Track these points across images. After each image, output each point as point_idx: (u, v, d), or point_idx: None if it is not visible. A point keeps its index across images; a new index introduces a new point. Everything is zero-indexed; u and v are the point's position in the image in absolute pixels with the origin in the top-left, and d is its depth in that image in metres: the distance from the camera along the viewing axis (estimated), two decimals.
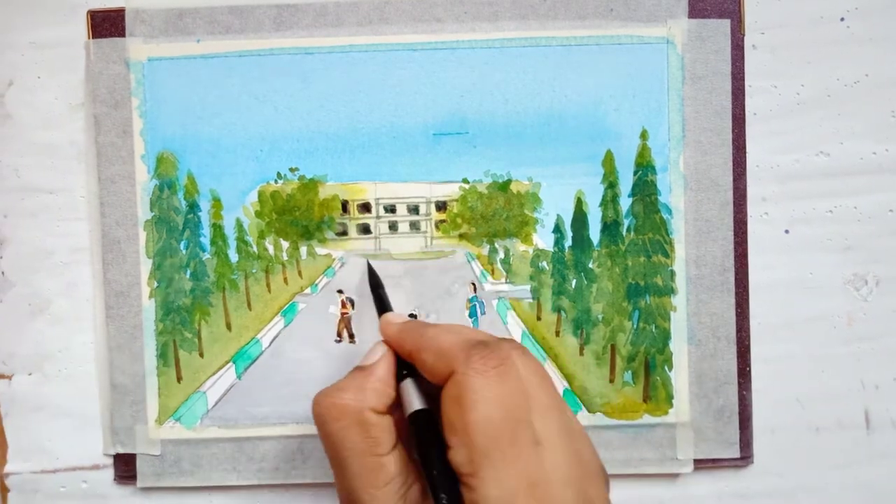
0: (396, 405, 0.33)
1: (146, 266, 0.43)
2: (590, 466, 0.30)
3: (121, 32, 0.42)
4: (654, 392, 0.43)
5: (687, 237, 0.43)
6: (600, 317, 0.43)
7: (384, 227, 0.44)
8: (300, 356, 0.43)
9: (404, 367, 0.33)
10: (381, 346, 0.34)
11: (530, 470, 0.28)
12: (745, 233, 0.43)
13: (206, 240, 0.43)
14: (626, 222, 0.43)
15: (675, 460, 0.43)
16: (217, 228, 0.43)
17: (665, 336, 0.43)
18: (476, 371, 0.29)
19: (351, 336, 0.43)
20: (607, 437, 0.43)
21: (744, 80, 0.42)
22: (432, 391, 0.32)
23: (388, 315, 0.36)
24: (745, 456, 0.43)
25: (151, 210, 0.43)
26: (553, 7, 0.42)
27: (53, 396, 0.44)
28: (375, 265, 0.43)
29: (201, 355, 0.43)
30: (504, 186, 0.43)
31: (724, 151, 0.42)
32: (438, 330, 0.32)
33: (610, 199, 0.43)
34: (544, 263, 0.43)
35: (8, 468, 0.44)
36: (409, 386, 0.33)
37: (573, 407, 0.43)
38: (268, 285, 0.43)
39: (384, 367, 0.33)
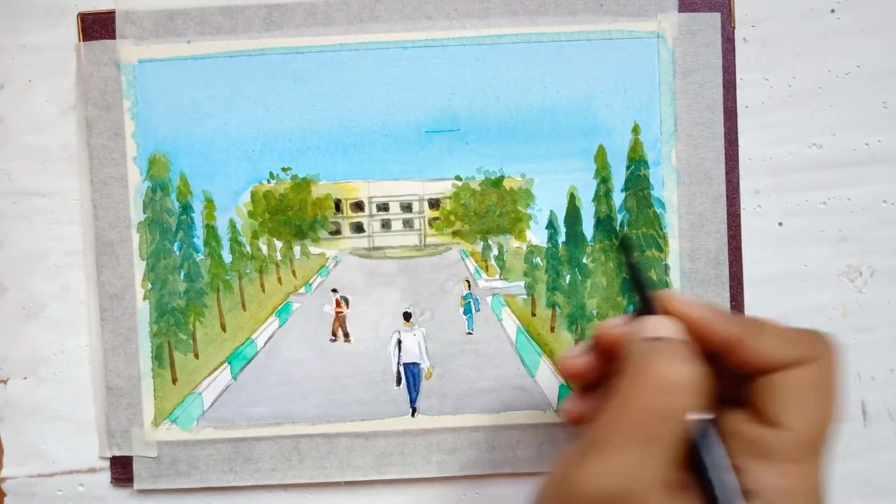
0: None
1: (140, 268, 0.43)
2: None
3: (111, 35, 0.42)
4: None
5: (680, 231, 0.43)
6: (595, 312, 0.43)
7: (377, 226, 0.44)
8: (295, 356, 0.43)
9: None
10: (669, 320, 0.29)
11: (824, 477, 0.28)
12: (738, 226, 0.43)
13: (199, 241, 0.43)
14: (619, 217, 0.43)
15: None
16: (210, 229, 0.43)
17: None
18: (839, 363, 0.28)
19: (346, 335, 0.43)
20: None
21: (735, 73, 0.42)
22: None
23: (670, 292, 0.30)
24: None
25: (144, 212, 0.43)
26: (543, 3, 0.42)
27: (49, 400, 0.44)
28: (368, 264, 0.43)
29: (196, 356, 0.43)
30: (497, 183, 0.43)
31: (716, 145, 0.42)
32: (758, 318, 0.29)
33: (603, 195, 0.43)
34: (538, 259, 0.43)
35: (4, 472, 0.44)
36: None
37: None
38: (262, 285, 0.43)
39: (689, 375, 0.27)
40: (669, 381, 0.26)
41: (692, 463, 0.27)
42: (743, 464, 0.27)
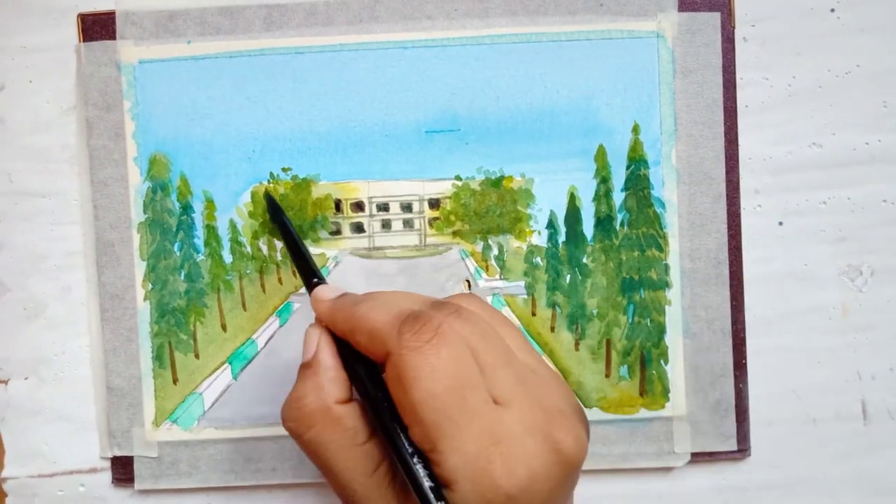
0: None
1: (140, 268, 0.43)
2: (555, 410, 0.29)
3: (111, 35, 0.42)
4: (651, 386, 0.43)
5: (681, 231, 0.43)
6: (595, 312, 0.43)
7: (377, 226, 0.44)
8: (296, 356, 0.43)
9: (345, 347, 0.32)
10: (313, 331, 0.33)
11: (490, 429, 0.27)
12: (738, 225, 0.43)
13: (199, 241, 0.43)
14: (619, 217, 0.43)
15: (673, 454, 0.43)
16: (211, 230, 0.43)
17: (660, 330, 0.43)
18: (409, 348, 0.28)
19: None
20: (604, 432, 0.43)
21: (735, 72, 0.42)
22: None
23: (319, 290, 0.34)
24: (743, 449, 0.43)
25: (145, 212, 0.43)
26: (543, 3, 0.42)
27: (49, 400, 0.44)
28: (368, 264, 0.43)
29: (197, 357, 0.43)
30: (497, 183, 0.43)
31: (716, 144, 0.42)
32: (370, 305, 0.31)
33: (603, 194, 0.43)
34: (538, 259, 0.43)
35: (5, 473, 0.44)
36: (357, 372, 0.31)
37: None
38: (262, 286, 0.43)
39: (327, 355, 0.32)
40: (289, 430, 0.32)
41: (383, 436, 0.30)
42: None
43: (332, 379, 0.31)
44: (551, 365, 0.43)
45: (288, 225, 0.40)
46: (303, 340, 0.33)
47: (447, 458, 0.27)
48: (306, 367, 0.32)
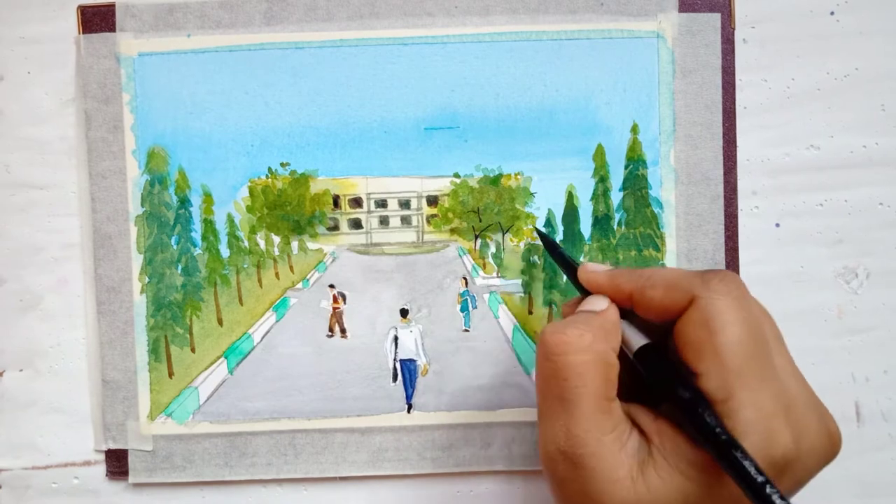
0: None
1: (137, 261, 0.43)
2: (816, 395, 0.30)
3: (111, 27, 0.42)
4: None
5: (678, 231, 0.43)
6: None
7: (375, 222, 0.44)
8: (292, 351, 0.43)
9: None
10: (600, 296, 0.33)
11: (781, 393, 0.28)
12: (735, 226, 0.43)
13: (197, 235, 0.43)
14: (617, 216, 0.43)
15: None
16: (208, 223, 0.43)
17: None
18: (720, 294, 0.28)
19: (343, 330, 0.43)
20: None
21: (734, 74, 0.43)
22: (650, 333, 0.32)
23: (588, 265, 0.34)
24: None
25: (142, 205, 0.43)
26: (544, 1, 0.42)
27: (45, 392, 0.44)
28: (366, 260, 0.43)
29: (193, 350, 0.43)
30: (495, 181, 0.43)
31: (714, 145, 0.43)
32: (654, 269, 0.32)
33: (601, 194, 0.43)
34: (535, 258, 0.43)
35: None
36: (628, 326, 0.32)
37: None
38: (259, 280, 0.43)
39: (615, 313, 0.32)
40: (550, 347, 0.30)
41: (652, 385, 0.30)
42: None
43: (615, 332, 0.31)
44: None
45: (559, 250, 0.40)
46: (583, 300, 0.33)
47: (742, 410, 0.27)
48: (592, 314, 0.32)
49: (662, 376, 0.30)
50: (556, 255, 0.39)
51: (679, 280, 0.30)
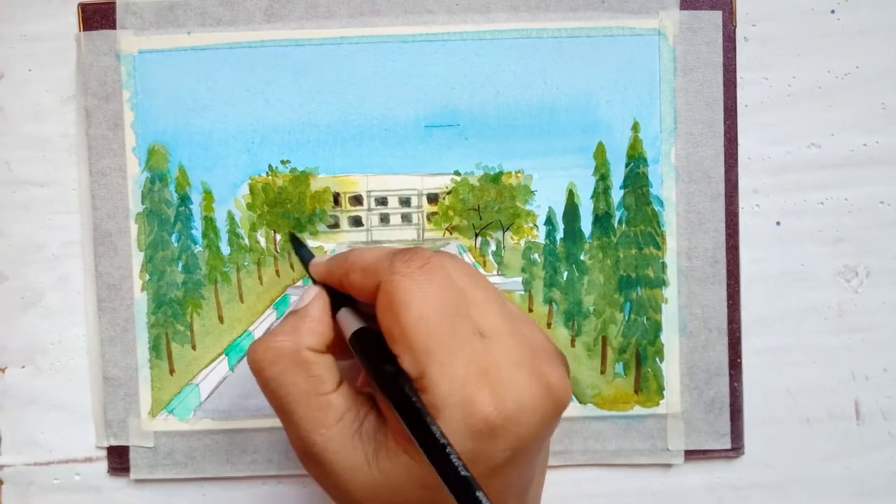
0: (337, 345, 0.32)
1: (138, 259, 0.43)
2: (540, 348, 0.30)
3: (111, 25, 0.42)
4: (646, 383, 0.43)
5: (678, 229, 0.43)
6: (592, 309, 0.43)
7: (376, 220, 0.44)
8: None
9: (340, 301, 0.33)
10: (312, 288, 0.34)
11: (477, 358, 0.28)
12: (736, 224, 0.43)
13: (197, 232, 0.43)
14: (617, 214, 0.43)
15: (666, 451, 0.43)
16: (208, 221, 0.43)
17: (656, 328, 0.43)
18: (402, 274, 0.28)
19: None
20: (598, 429, 0.43)
21: (735, 71, 0.42)
22: (371, 318, 0.31)
23: (315, 259, 0.35)
24: (736, 447, 0.43)
25: (143, 203, 0.43)
26: None
27: (46, 389, 0.44)
28: None
29: (194, 348, 0.43)
30: (495, 178, 0.43)
31: (715, 143, 0.42)
32: (362, 250, 0.32)
33: (601, 191, 0.43)
34: (536, 256, 0.43)
35: (1, 461, 0.44)
36: (344, 313, 0.32)
37: None
38: (260, 278, 0.43)
39: (317, 306, 0.32)
40: (251, 366, 0.31)
41: (367, 369, 0.30)
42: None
43: (311, 328, 0.31)
44: None
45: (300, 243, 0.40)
46: (296, 301, 0.34)
47: (436, 385, 0.27)
48: (293, 313, 0.33)
49: (373, 359, 0.29)
50: (297, 249, 0.39)
51: (370, 263, 0.30)
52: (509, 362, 0.28)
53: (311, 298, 0.33)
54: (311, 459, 0.30)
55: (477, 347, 0.28)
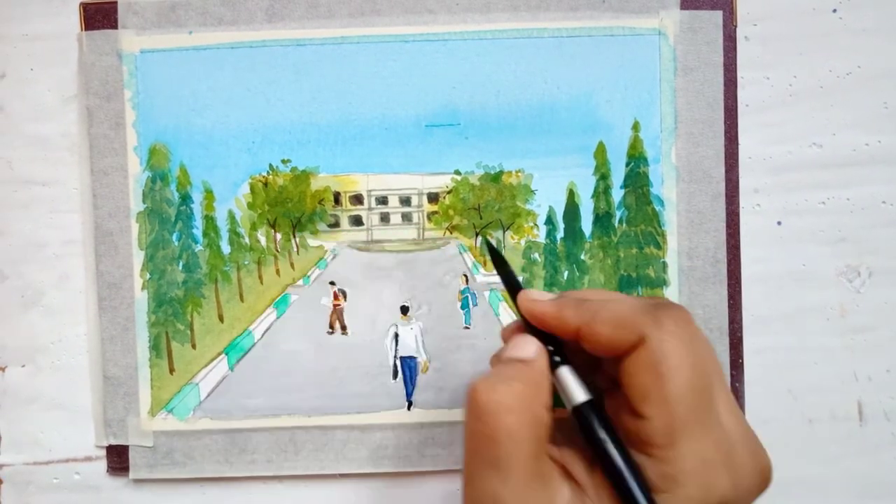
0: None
1: (139, 258, 0.43)
2: (749, 428, 0.30)
3: (113, 24, 0.42)
4: None
5: (679, 229, 0.43)
6: None
7: (376, 219, 0.44)
8: (292, 348, 0.43)
9: (554, 353, 0.31)
10: (529, 338, 0.31)
11: (723, 440, 0.27)
12: (737, 224, 0.43)
13: (198, 231, 0.43)
14: (618, 214, 0.43)
15: None
16: (209, 220, 0.43)
17: None
18: (670, 335, 0.27)
19: (343, 327, 0.43)
20: None
21: (736, 71, 0.42)
22: (586, 377, 0.30)
23: (529, 292, 0.32)
24: None
25: (144, 202, 0.43)
26: None
27: (46, 388, 0.44)
28: (366, 257, 0.43)
29: (194, 347, 0.43)
30: (496, 178, 0.43)
31: (716, 143, 0.42)
32: (603, 299, 0.29)
33: (602, 191, 0.43)
34: (536, 255, 0.43)
35: (1, 460, 0.44)
36: (567, 375, 0.30)
37: None
38: (260, 277, 0.43)
39: (544, 361, 0.30)
40: (481, 406, 0.28)
41: (591, 442, 0.29)
42: (631, 451, 0.28)
43: (545, 384, 0.29)
44: None
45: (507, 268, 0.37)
46: (507, 339, 0.32)
47: (681, 459, 0.26)
48: (521, 363, 0.30)
49: (599, 436, 0.28)
50: (502, 272, 0.35)
51: (628, 317, 0.28)
52: (742, 445, 0.28)
53: (536, 353, 0.30)
54: None
55: (722, 429, 0.28)
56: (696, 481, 0.27)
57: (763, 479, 0.29)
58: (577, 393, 0.30)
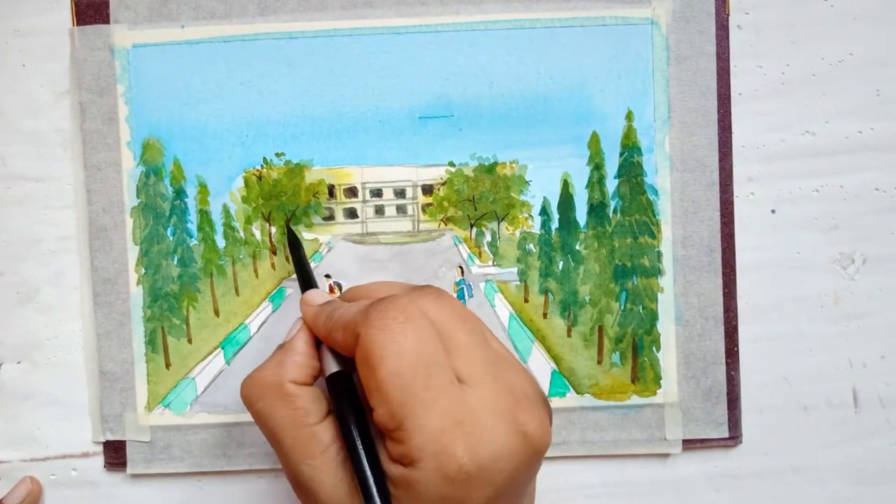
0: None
1: (133, 253, 0.43)
2: (521, 394, 0.30)
3: (105, 19, 0.42)
4: (642, 373, 0.43)
5: (673, 218, 0.43)
6: (587, 298, 0.43)
7: (371, 212, 0.44)
8: None
9: None
10: (299, 321, 0.35)
11: (454, 409, 0.28)
12: (731, 213, 0.43)
13: (192, 226, 0.43)
14: (612, 204, 0.43)
15: (664, 441, 0.43)
16: (204, 214, 0.43)
17: (652, 317, 0.43)
18: (377, 328, 0.29)
19: None
20: (595, 419, 0.43)
21: (729, 60, 0.42)
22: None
23: (308, 295, 0.36)
24: (734, 436, 0.43)
25: (138, 197, 0.43)
26: None
27: (42, 384, 0.44)
28: (361, 250, 0.43)
29: (190, 341, 0.43)
30: (490, 169, 0.43)
31: (709, 132, 0.42)
32: (348, 306, 0.32)
33: (596, 181, 0.43)
34: (531, 246, 0.43)
35: None
36: (325, 351, 0.33)
37: (561, 389, 0.43)
38: (255, 271, 0.43)
39: (302, 339, 0.34)
40: (242, 399, 0.33)
41: (335, 414, 0.32)
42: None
43: (296, 361, 0.33)
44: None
45: (298, 244, 0.41)
46: (290, 327, 0.35)
47: (412, 436, 0.28)
48: (280, 347, 0.34)
49: (344, 407, 0.31)
50: (295, 259, 0.39)
51: (350, 319, 0.30)
52: (487, 411, 0.28)
53: (296, 332, 0.34)
54: (299, 488, 0.31)
55: (453, 398, 0.28)
56: (428, 453, 0.27)
57: (526, 443, 0.29)
58: (331, 365, 0.33)
